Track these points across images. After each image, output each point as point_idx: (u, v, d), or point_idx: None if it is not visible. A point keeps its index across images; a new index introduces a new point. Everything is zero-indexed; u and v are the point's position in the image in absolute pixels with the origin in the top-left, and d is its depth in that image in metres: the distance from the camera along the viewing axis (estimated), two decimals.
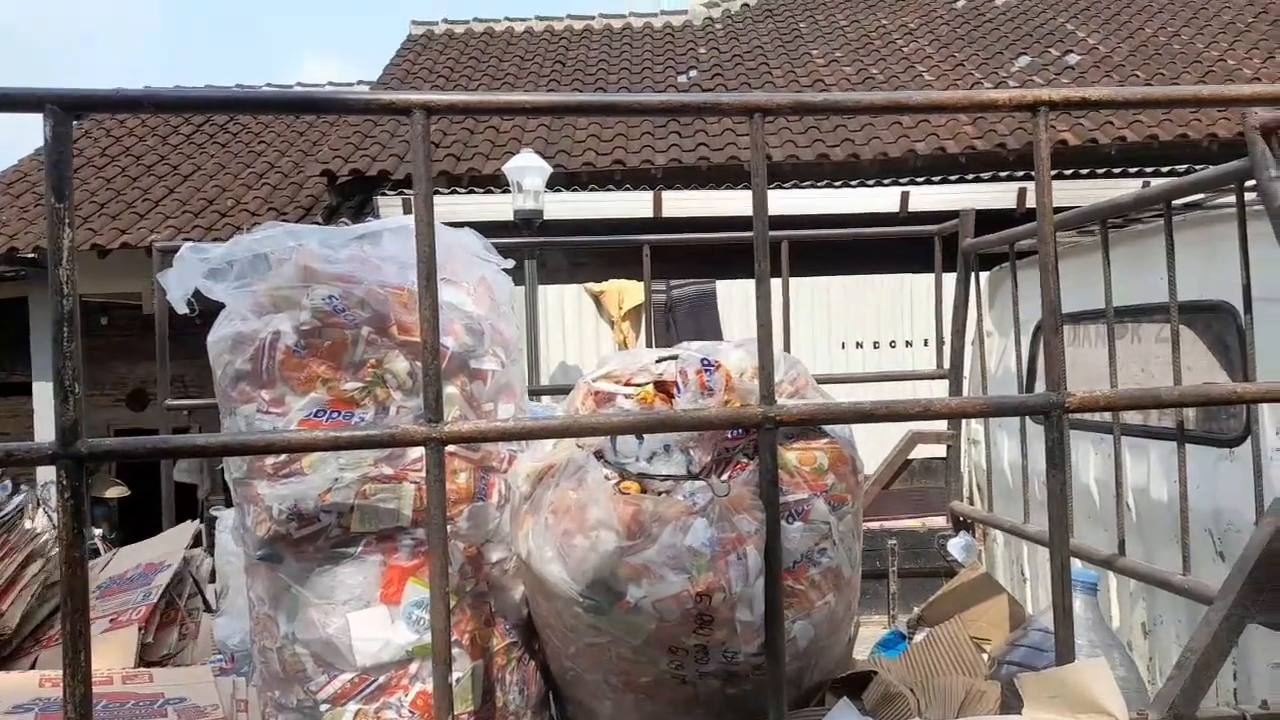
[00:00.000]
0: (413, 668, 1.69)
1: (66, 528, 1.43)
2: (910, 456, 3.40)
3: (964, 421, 3.42)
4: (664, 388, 1.71)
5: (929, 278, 5.71)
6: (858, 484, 1.67)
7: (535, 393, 3.65)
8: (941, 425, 3.43)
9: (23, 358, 10.11)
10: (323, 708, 1.68)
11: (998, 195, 6.26)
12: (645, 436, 1.61)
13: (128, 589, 2.45)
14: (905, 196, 6.57)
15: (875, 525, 3.36)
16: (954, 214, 3.83)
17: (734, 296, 5.85)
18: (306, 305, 1.64)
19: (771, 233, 3.87)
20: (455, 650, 1.69)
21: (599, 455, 1.63)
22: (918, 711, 1.66)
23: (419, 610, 1.68)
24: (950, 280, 3.42)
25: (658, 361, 1.69)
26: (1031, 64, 10.35)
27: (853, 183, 6.71)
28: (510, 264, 2.01)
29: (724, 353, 1.70)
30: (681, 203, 6.72)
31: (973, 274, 3.23)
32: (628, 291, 5.80)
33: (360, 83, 12.17)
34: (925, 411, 1.66)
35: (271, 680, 1.75)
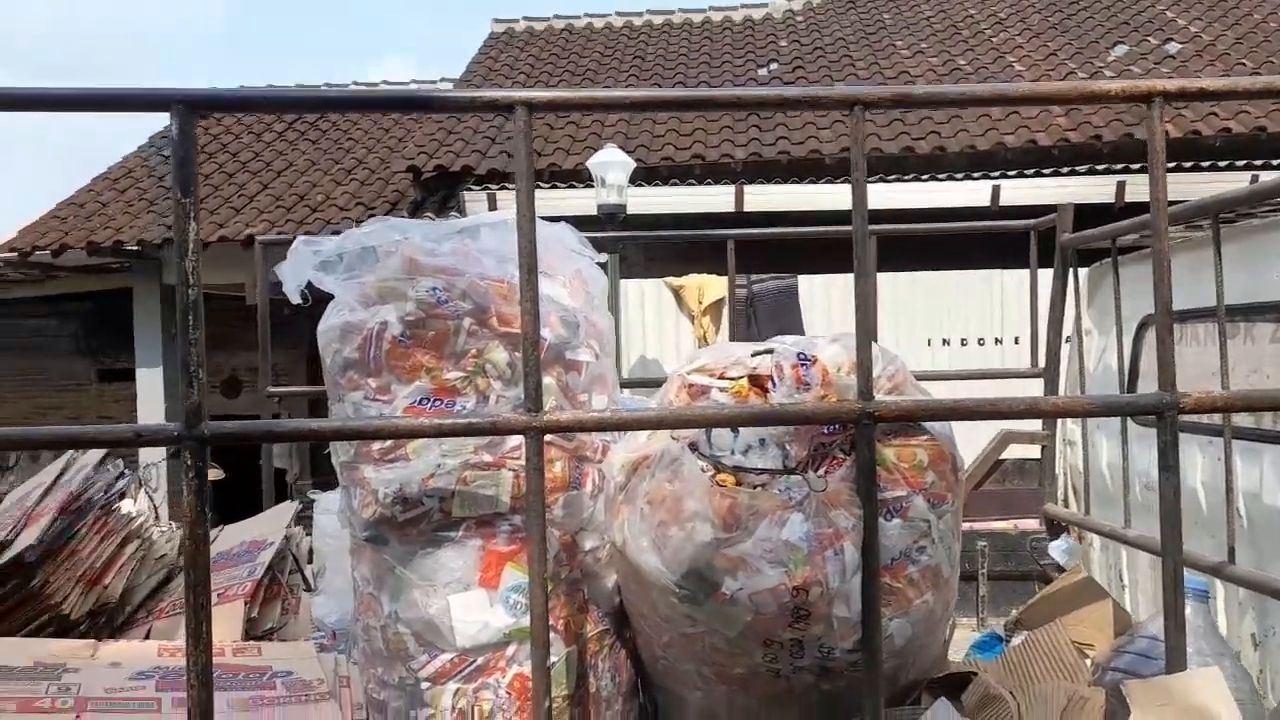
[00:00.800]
0: (510, 650, 1.73)
1: (191, 506, 1.51)
2: (1002, 456, 3.32)
3: (1060, 422, 3.32)
4: (758, 382, 1.71)
5: (1021, 274, 5.56)
6: (958, 482, 1.65)
7: (620, 387, 3.68)
8: (1036, 425, 3.33)
9: (127, 346, 10.63)
10: (424, 685, 1.73)
11: (1094, 189, 6.03)
12: (741, 430, 1.62)
13: (234, 564, 2.57)
14: (996, 190, 6.38)
15: (965, 526, 3.29)
16: (1047, 209, 3.72)
17: (815, 292, 5.79)
18: (411, 297, 1.69)
19: (839, 229, 3.81)
20: (551, 635, 1.72)
21: (693, 447, 1.64)
22: (1018, 715, 1.62)
23: (516, 595, 1.72)
24: (1046, 276, 3.33)
25: (753, 355, 1.69)
26: (1129, 53, 9.94)
27: (940, 176, 6.55)
28: (604, 258, 2.03)
29: (820, 347, 1.69)
30: (763, 197, 6.67)
31: (1071, 270, 3.13)
32: (708, 286, 5.79)
33: (443, 80, 12.41)
34: (1031, 410, 1.63)
35: (375, 658, 1.81)
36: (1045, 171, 6.78)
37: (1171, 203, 2.73)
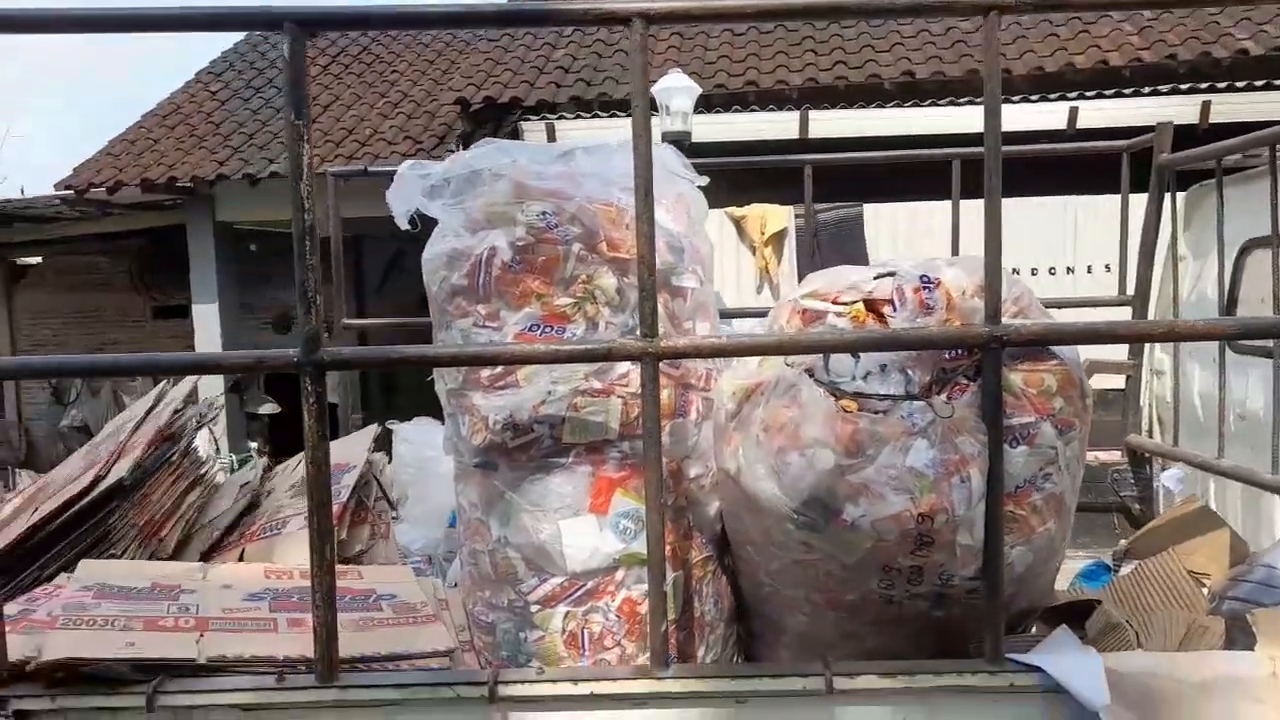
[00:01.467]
0: (619, 575, 1.74)
1: (312, 430, 1.52)
2: None
3: (1148, 351, 3.23)
4: (874, 306, 1.66)
5: (1095, 200, 5.37)
6: (1085, 409, 1.60)
7: None
8: (1121, 354, 3.24)
9: (180, 282, 10.77)
10: (533, 608, 1.75)
11: (1177, 110, 5.74)
12: (861, 355, 1.57)
13: None
14: (1074, 113, 6.11)
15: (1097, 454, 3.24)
16: (1127, 131, 3.55)
17: (881, 219, 5.64)
18: (521, 221, 1.66)
19: (939, 151, 3.67)
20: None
21: (810, 374, 1.61)
22: (1137, 644, 1.60)
23: (626, 520, 1.72)
24: (1136, 201, 3.20)
25: (873, 278, 1.63)
26: None
27: (1014, 99, 6.28)
28: (705, 181, 1.98)
29: (942, 269, 1.63)
30: (828, 123, 6.48)
31: (1166, 193, 3.00)
32: (770, 216, 5.68)
33: None
34: (1170, 333, 1.56)
35: (482, 581, 1.83)
36: (1125, 92, 6.48)
37: (1259, 124, 2.59)
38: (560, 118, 7.11)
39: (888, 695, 1.51)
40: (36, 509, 2.17)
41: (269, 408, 10.20)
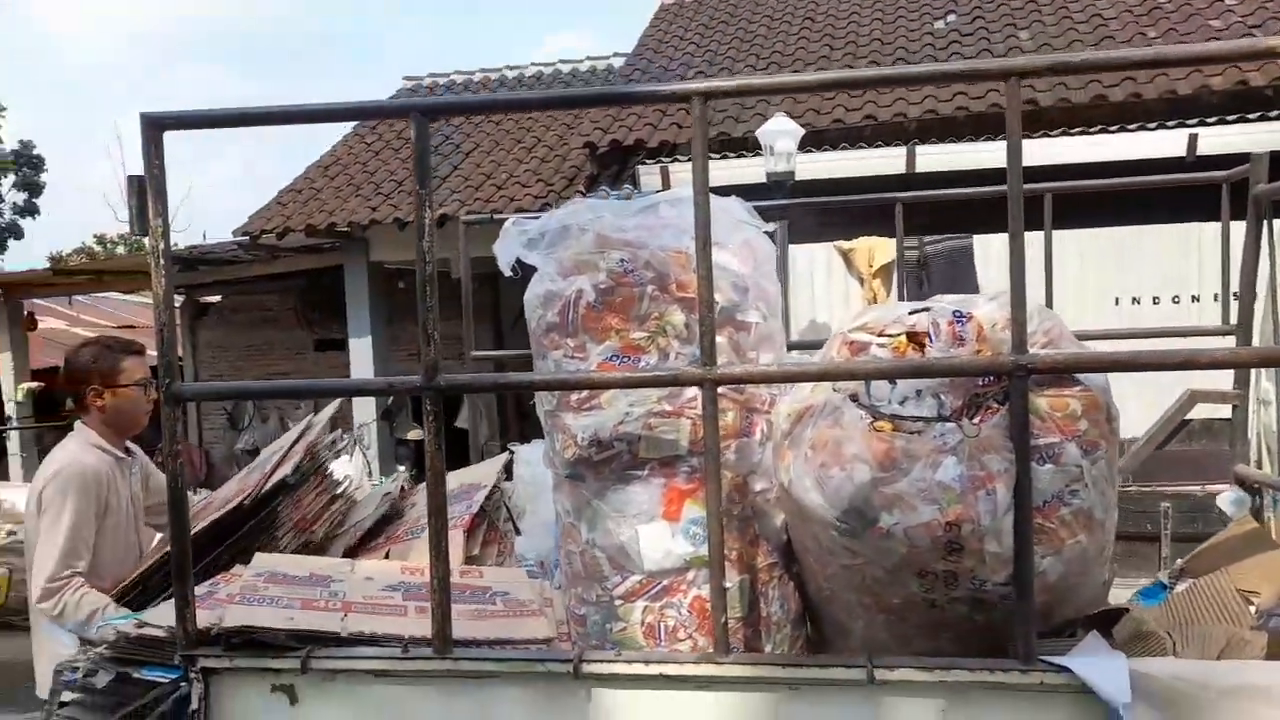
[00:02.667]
0: (690, 575, 1.98)
1: (431, 444, 1.85)
2: (1188, 416, 3.24)
3: (1254, 381, 3.20)
4: (915, 338, 1.85)
5: (1215, 227, 5.21)
6: (1112, 431, 1.73)
7: (788, 348, 3.84)
8: (1226, 384, 3.22)
9: (338, 318, 11.75)
10: (617, 602, 2.01)
11: None
12: (899, 382, 1.77)
13: (453, 502, 2.96)
14: (1193, 140, 5.93)
15: (1147, 488, 3.26)
16: (1247, 158, 3.52)
17: (992, 252, 5.64)
18: (603, 267, 1.95)
19: (1031, 185, 3.80)
20: (725, 564, 1.95)
21: (854, 398, 1.81)
22: (1172, 651, 1.71)
23: (695, 527, 1.97)
24: (1238, 229, 3.19)
25: (910, 314, 1.83)
26: None
27: (1131, 127, 6.15)
28: (771, 227, 2.21)
29: (976, 305, 1.81)
30: (935, 157, 6.53)
31: (1265, 222, 3.00)
32: (879, 249, 5.79)
33: (615, 54, 12.77)
34: (1189, 361, 1.68)
35: (575, 579, 2.11)
36: (1251, 116, 6.23)
37: None
38: (674, 159, 7.44)
39: (925, 688, 1.68)
40: (216, 508, 2.63)
41: (416, 433, 10.96)
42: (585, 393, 1.98)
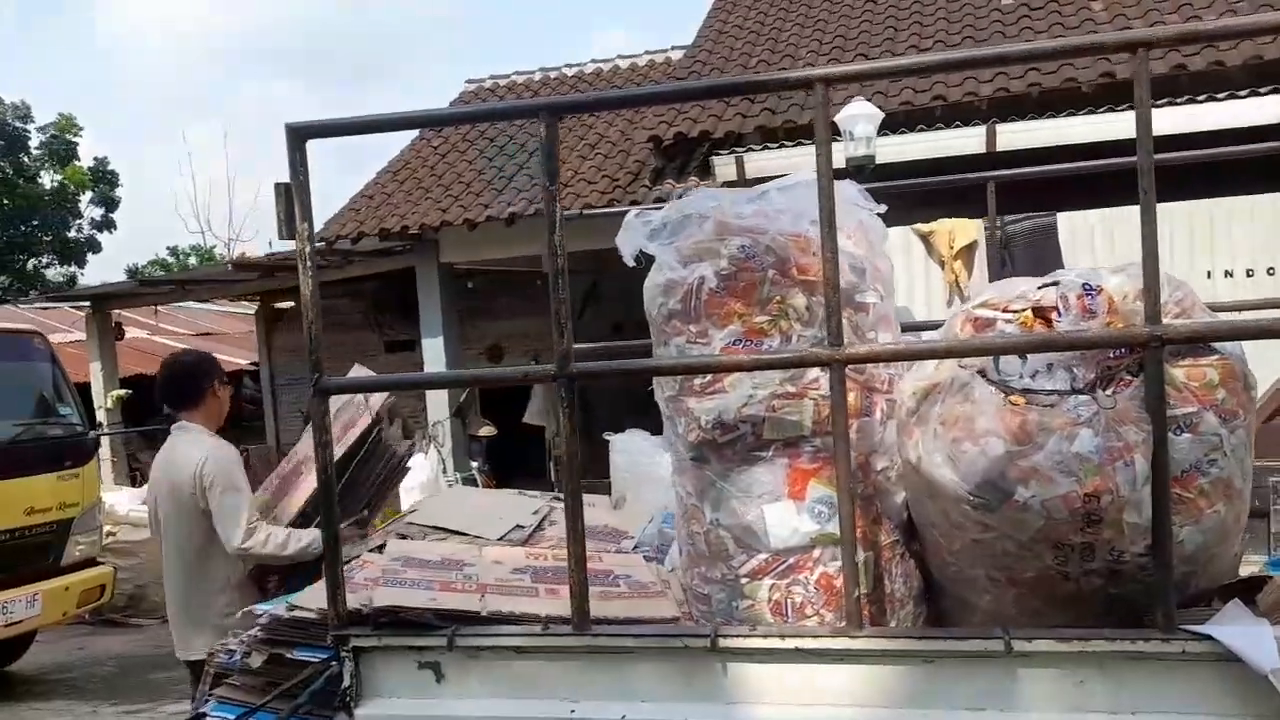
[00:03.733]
0: (815, 553, 2.02)
1: (566, 430, 1.92)
2: None
3: None
4: (1041, 313, 1.86)
5: None
6: (1250, 399, 1.72)
7: None
8: None
9: (406, 319, 12.00)
10: (743, 581, 2.06)
11: None
12: (1029, 356, 1.78)
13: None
14: None
15: (1256, 463, 3.19)
16: None
17: (1077, 229, 5.54)
18: (724, 254, 2.00)
19: (1108, 161, 3.72)
20: None
21: (982, 374, 1.83)
22: None
23: (821, 505, 2.00)
24: None
25: (1038, 288, 1.84)
26: None
27: (1220, 96, 5.96)
28: (883, 209, 2.24)
29: (1104, 278, 1.81)
30: (1015, 135, 6.42)
31: None
32: (959, 230, 5.72)
33: (674, 47, 12.79)
34: None
35: (698, 558, 2.16)
36: None
37: None
38: (749, 149, 7.45)
39: (1064, 659, 1.70)
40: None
41: (487, 430, 11.16)
42: (709, 377, 2.02)
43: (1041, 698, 1.70)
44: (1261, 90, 6.21)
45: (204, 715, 2.21)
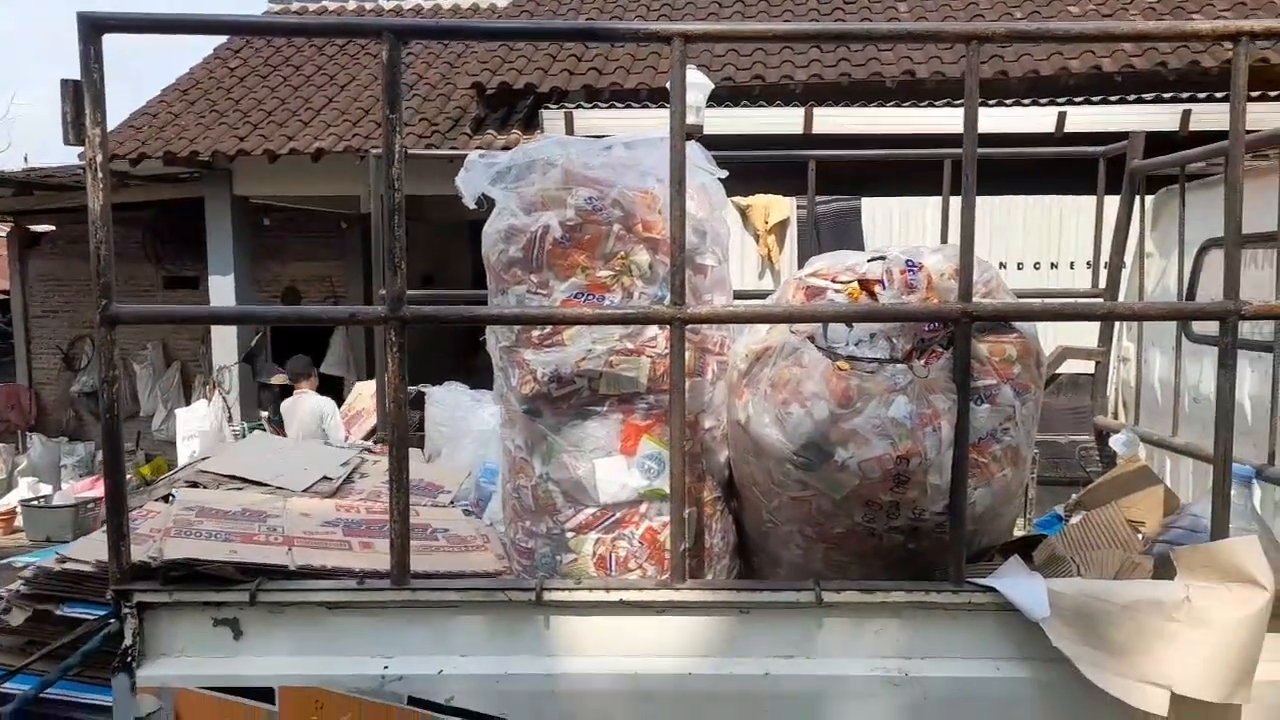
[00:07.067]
0: (642, 508, 2.05)
1: (394, 375, 1.82)
2: (1058, 371, 3.55)
3: (1115, 339, 3.54)
4: (866, 285, 1.96)
5: (1077, 200, 5.70)
6: (1041, 375, 1.91)
7: None
8: (1091, 341, 3.55)
9: (192, 254, 11.01)
10: (569, 535, 2.06)
11: (1159, 117, 6.03)
12: (854, 325, 1.88)
13: None
14: (1062, 117, 6.41)
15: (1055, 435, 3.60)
16: (1111, 136, 3.85)
17: (877, 214, 5.94)
18: (570, 204, 1.96)
19: (931, 151, 3.97)
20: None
21: (811, 339, 1.91)
22: (1077, 574, 1.92)
23: (650, 461, 2.03)
24: (1110, 202, 3.49)
25: (868, 261, 1.93)
26: None
27: (1007, 101, 6.58)
28: (725, 174, 2.27)
29: (925, 255, 1.94)
30: (831, 120, 6.77)
31: (1137, 196, 3.30)
32: (774, 206, 5.98)
33: None
34: (1110, 313, 1.87)
35: (523, 513, 2.13)
36: (1111, 99, 6.78)
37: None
38: (579, 106, 7.37)
39: (867, 610, 1.82)
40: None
41: (280, 378, 10.50)
42: (547, 329, 1.99)
43: (844, 645, 1.81)
44: (1041, 100, 6.88)
45: None
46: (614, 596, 1.83)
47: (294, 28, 1.57)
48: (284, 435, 9.52)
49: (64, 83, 1.60)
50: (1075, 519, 2.19)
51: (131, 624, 1.80)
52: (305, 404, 7.16)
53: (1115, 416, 3.66)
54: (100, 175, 1.72)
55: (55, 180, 10.29)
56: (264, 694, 1.75)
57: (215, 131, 9.60)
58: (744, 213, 6.07)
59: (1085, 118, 6.41)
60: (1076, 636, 1.65)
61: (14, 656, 1.97)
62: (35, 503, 9.47)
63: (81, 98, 1.68)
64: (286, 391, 11.45)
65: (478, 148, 7.55)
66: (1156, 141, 3.40)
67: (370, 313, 1.80)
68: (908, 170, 4.43)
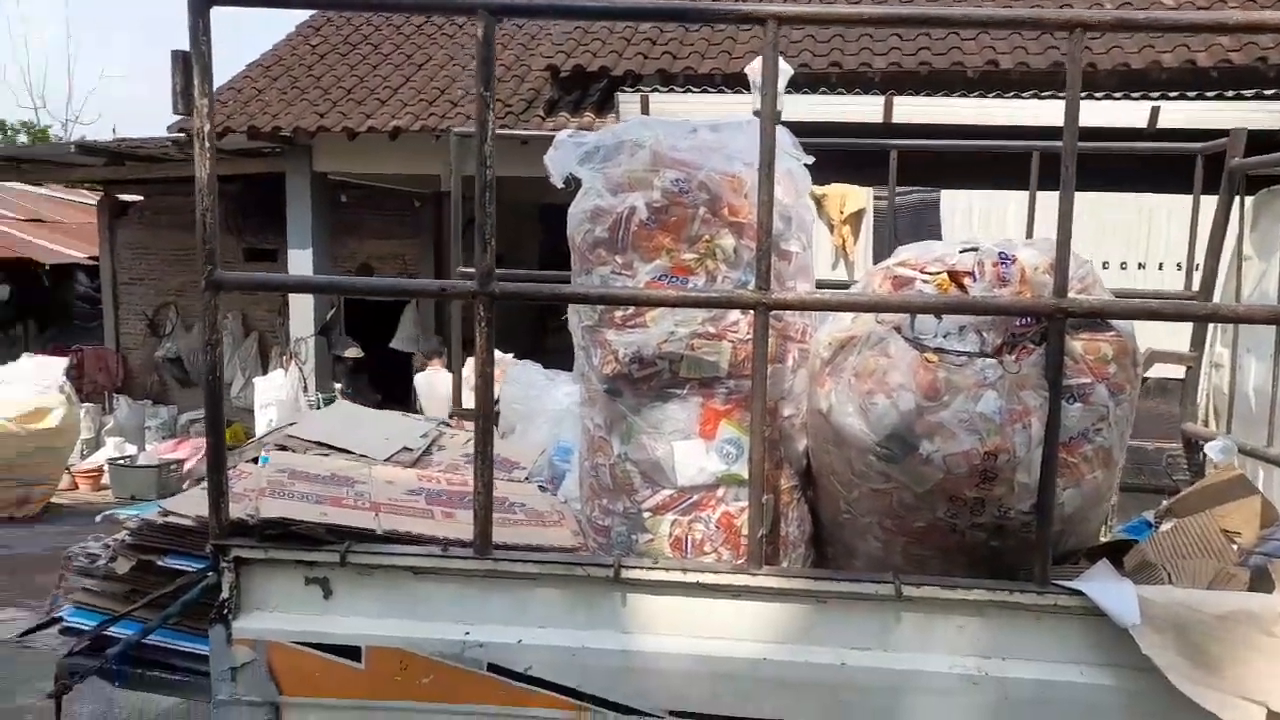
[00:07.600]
0: (719, 492, 2.05)
1: (482, 350, 1.85)
2: (1146, 375, 3.44)
3: (1208, 344, 3.41)
4: (956, 277, 1.93)
5: (1169, 199, 5.48)
6: (1137, 375, 1.85)
7: None
8: (1183, 346, 3.43)
9: (273, 227, 11.30)
10: (645, 515, 2.08)
11: (1258, 115, 5.75)
12: (943, 317, 1.85)
13: None
14: (1155, 112, 6.16)
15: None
16: (1207, 133, 3.69)
17: (957, 206, 5.80)
18: (657, 185, 1.96)
19: (1019, 143, 3.87)
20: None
21: (897, 330, 1.89)
22: (1168, 582, 1.86)
23: (729, 446, 2.03)
24: (1207, 201, 3.36)
25: (960, 252, 1.90)
26: None
27: (1097, 95, 6.35)
28: (811, 160, 2.25)
29: (1018, 248, 1.89)
30: (911, 109, 6.63)
31: (1237, 195, 3.17)
32: (850, 196, 5.88)
33: None
34: (1213, 315, 1.80)
35: (601, 490, 2.16)
36: (1209, 95, 6.50)
37: None
38: (654, 90, 7.35)
39: (947, 605, 1.79)
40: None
41: (354, 351, 10.77)
42: (630, 310, 2.00)
43: (923, 641, 1.79)
44: (1134, 95, 6.65)
45: (60, 620, 2.04)
46: (691, 578, 1.84)
47: (391, 4, 1.60)
48: (412, 410, 9.69)
49: (174, 54, 1.65)
50: (1166, 526, 2.12)
51: (229, 578, 1.88)
52: (442, 379, 7.66)
53: (1205, 424, 3.54)
54: (207, 145, 1.78)
55: (144, 151, 10.65)
56: (351, 652, 1.80)
57: (297, 108, 9.83)
58: (819, 202, 5.99)
59: (1180, 113, 6.16)
60: (1168, 646, 1.61)
61: (118, 603, 2.07)
62: (122, 462, 9.87)
63: (190, 69, 1.74)
64: (359, 365, 11.80)
65: (552, 130, 7.60)
66: (1254, 140, 3.25)
67: (461, 286, 1.83)
68: (989, 163, 4.31)
